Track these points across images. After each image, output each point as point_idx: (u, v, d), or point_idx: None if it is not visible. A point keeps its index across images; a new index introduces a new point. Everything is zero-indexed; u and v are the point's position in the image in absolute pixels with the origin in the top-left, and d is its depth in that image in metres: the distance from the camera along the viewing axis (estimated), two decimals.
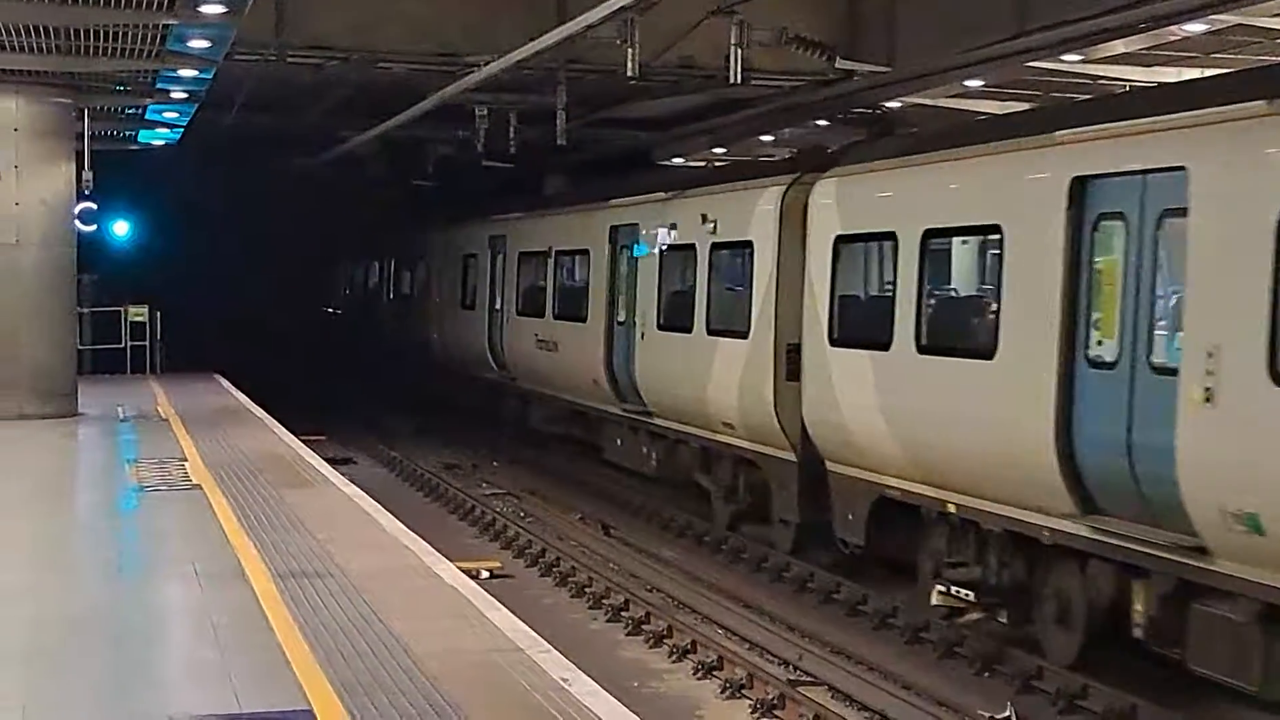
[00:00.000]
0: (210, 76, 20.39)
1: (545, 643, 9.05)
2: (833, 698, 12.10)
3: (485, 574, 16.22)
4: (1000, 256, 12.43)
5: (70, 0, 16.56)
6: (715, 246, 18.06)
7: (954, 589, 13.14)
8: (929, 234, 13.58)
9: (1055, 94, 23.46)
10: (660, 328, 19.42)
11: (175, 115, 24.93)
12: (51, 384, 21.68)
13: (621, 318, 20.99)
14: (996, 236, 12.54)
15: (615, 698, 8.03)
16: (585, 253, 22.63)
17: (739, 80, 17.76)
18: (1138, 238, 10.89)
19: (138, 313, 30.48)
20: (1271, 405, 9.42)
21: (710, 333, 17.96)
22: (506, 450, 26.73)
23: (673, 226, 19.21)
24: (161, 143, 28.53)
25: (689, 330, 18.47)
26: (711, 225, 18.01)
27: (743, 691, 12.34)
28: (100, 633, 9.42)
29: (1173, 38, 18.69)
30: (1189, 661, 10.52)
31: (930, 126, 21.42)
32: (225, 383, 28.32)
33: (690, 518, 19.35)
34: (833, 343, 15.02)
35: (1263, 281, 9.48)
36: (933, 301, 13.82)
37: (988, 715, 11.57)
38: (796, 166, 17.12)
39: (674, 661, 13.43)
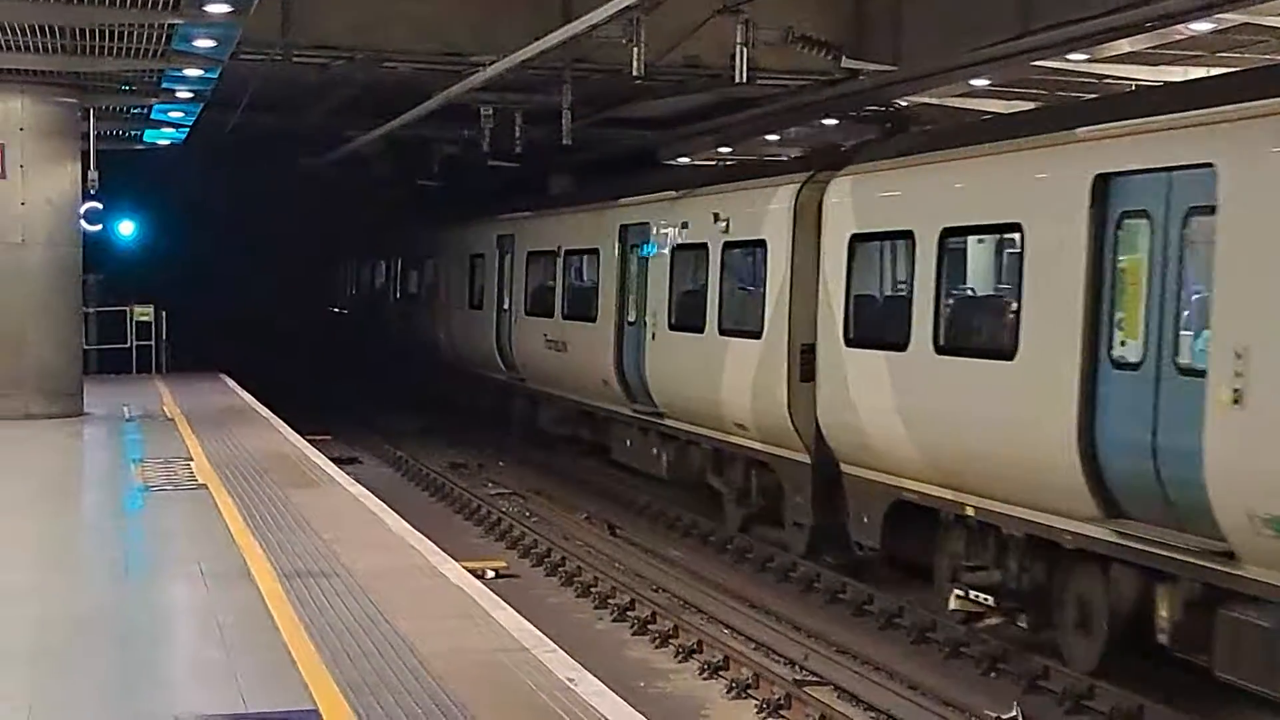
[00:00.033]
0: (216, 76, 20.36)
1: (551, 642, 9.05)
2: (839, 698, 12.04)
3: (491, 574, 16.14)
4: (1021, 255, 12.24)
5: (75, 0, 16.45)
6: (728, 246, 17.92)
7: (972, 593, 12.99)
8: (947, 233, 13.38)
9: (1061, 93, 23.43)
10: (671, 328, 19.27)
11: (181, 115, 24.92)
12: (57, 384, 21.68)
13: (632, 318, 20.84)
14: (1017, 235, 12.36)
15: (621, 697, 8.01)
16: (595, 252, 22.47)
17: (744, 79, 17.62)
18: (1163, 236, 10.69)
19: (143, 312, 30.51)
20: None
21: (722, 333, 17.80)
22: (512, 450, 26.62)
23: (684, 225, 19.06)
24: (167, 142, 28.50)
25: (701, 330, 18.31)
26: (724, 224, 17.86)
27: (749, 691, 12.28)
28: (106, 632, 9.42)
29: (1178, 36, 18.67)
30: (1215, 669, 10.34)
31: (947, 124, 21.34)
32: (231, 382, 28.30)
33: (696, 517, 19.25)
34: (848, 343, 14.84)
35: None
36: (951, 301, 13.62)
37: (994, 715, 11.46)
38: (810, 165, 16.99)
39: (680, 661, 13.37)
